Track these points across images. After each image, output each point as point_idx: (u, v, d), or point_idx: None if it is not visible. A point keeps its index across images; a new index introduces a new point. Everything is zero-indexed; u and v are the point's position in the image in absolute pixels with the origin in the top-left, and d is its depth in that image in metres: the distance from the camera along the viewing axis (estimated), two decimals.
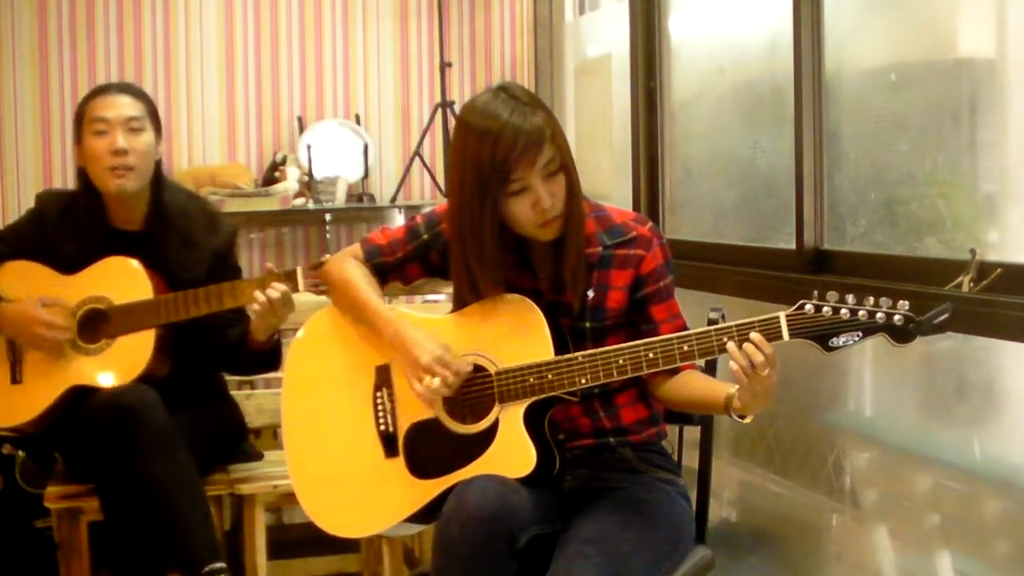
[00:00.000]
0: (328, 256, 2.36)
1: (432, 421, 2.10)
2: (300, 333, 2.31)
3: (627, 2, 3.72)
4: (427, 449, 2.11)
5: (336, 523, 2.18)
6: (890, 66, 2.64)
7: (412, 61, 4.50)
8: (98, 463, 2.49)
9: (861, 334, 1.85)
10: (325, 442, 2.21)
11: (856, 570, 2.79)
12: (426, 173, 4.37)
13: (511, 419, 2.04)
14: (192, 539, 2.46)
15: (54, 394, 2.62)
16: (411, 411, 2.13)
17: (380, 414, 2.17)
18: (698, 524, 2.24)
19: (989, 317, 2.13)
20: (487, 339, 2.10)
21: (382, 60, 4.48)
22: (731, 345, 1.89)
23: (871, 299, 1.85)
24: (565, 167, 2.04)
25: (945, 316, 1.82)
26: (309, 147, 4.19)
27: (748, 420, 1.97)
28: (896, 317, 1.83)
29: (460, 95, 4.37)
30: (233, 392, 3.01)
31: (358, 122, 4.40)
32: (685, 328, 2.07)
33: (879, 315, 1.84)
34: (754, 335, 1.88)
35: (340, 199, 4.20)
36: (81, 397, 2.58)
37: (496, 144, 1.97)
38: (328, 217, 4.27)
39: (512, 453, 2.01)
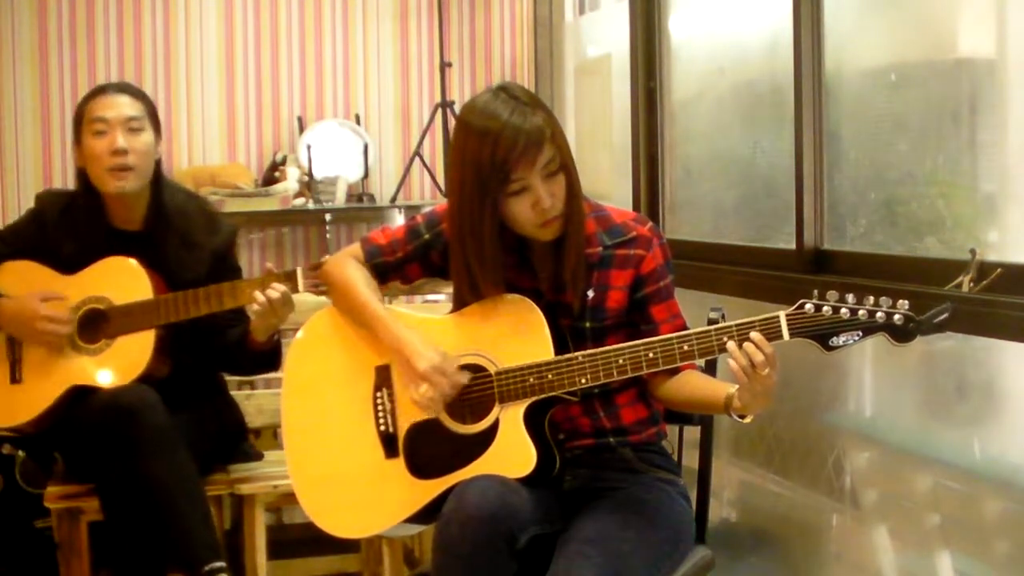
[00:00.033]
0: (328, 256, 2.36)
1: (432, 421, 2.10)
2: (300, 333, 2.31)
3: (627, 2, 3.72)
4: (427, 449, 2.11)
5: (336, 523, 2.18)
6: (890, 66, 2.64)
7: (412, 61, 4.50)
8: (98, 463, 2.49)
9: (861, 333, 1.85)
10: (325, 442, 2.21)
11: (856, 570, 2.79)
12: (426, 173, 4.37)
13: (511, 419, 2.04)
14: (192, 539, 2.46)
15: (54, 394, 2.62)
16: (411, 411, 2.12)
17: (380, 414, 2.17)
18: (698, 524, 2.24)
19: (989, 317, 2.13)
20: (487, 339, 2.10)
21: (382, 60, 4.48)
22: (731, 345, 1.89)
23: (871, 299, 1.85)
24: (565, 167, 2.04)
25: (945, 315, 1.82)
26: (309, 147, 4.19)
27: (748, 420, 1.97)
28: (896, 316, 1.83)
29: (460, 95, 4.37)
30: (233, 392, 3.01)
31: (358, 122, 4.40)
32: (685, 328, 2.07)
33: (879, 314, 1.84)
34: (754, 334, 1.88)
35: (340, 199, 4.20)
36: (81, 397, 2.58)
37: (496, 144, 1.97)
38: (328, 217, 4.27)
39: (512, 453, 2.01)
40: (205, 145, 4.31)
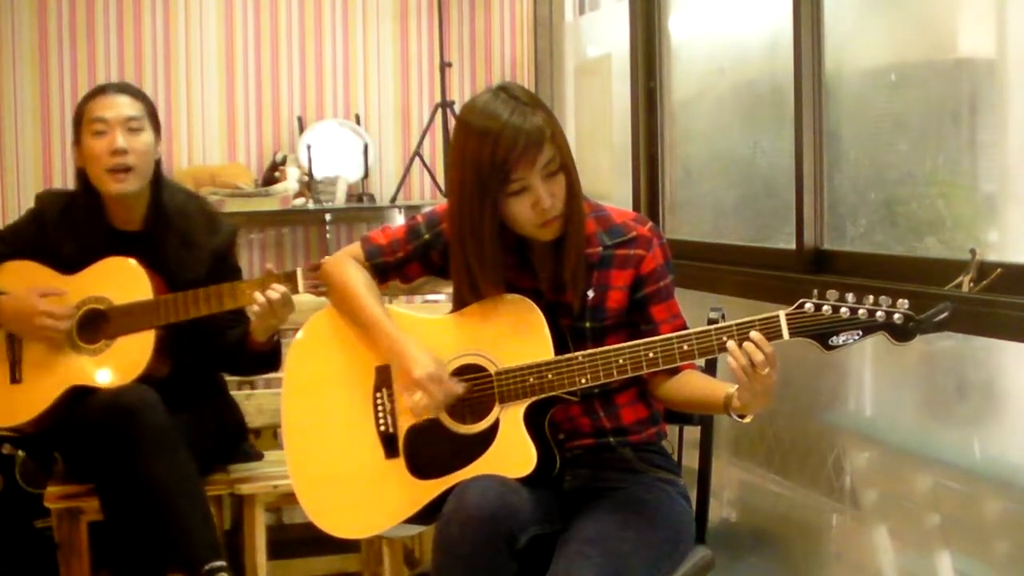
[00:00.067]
0: (327, 257, 2.35)
1: (432, 421, 2.10)
2: (300, 333, 2.31)
3: (627, 2, 3.72)
4: (427, 449, 2.11)
5: (336, 524, 2.18)
6: (890, 66, 2.64)
7: (412, 61, 4.50)
8: (98, 463, 2.49)
9: (861, 333, 1.86)
10: (325, 442, 2.21)
11: (856, 570, 2.79)
12: (426, 173, 4.37)
13: (511, 419, 2.04)
14: (192, 539, 2.46)
15: (54, 394, 2.62)
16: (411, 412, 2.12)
17: (380, 414, 2.16)
18: (698, 524, 2.24)
19: (989, 317, 2.13)
20: (487, 339, 2.10)
21: (382, 60, 4.48)
22: (731, 344, 1.89)
23: (871, 298, 1.85)
24: (565, 167, 2.04)
25: (945, 314, 1.82)
26: (309, 147, 4.19)
27: (748, 420, 1.97)
28: (896, 316, 1.83)
29: (460, 95, 4.37)
30: (233, 392, 3.01)
31: (358, 122, 4.40)
32: (685, 328, 2.07)
33: (879, 314, 1.84)
34: (754, 334, 1.89)
35: (340, 199, 4.20)
36: (81, 397, 2.58)
37: (496, 144, 1.97)
38: (328, 217, 4.27)
39: (512, 453, 2.01)
40: (205, 145, 4.31)
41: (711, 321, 2.02)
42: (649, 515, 2.07)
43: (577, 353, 2.03)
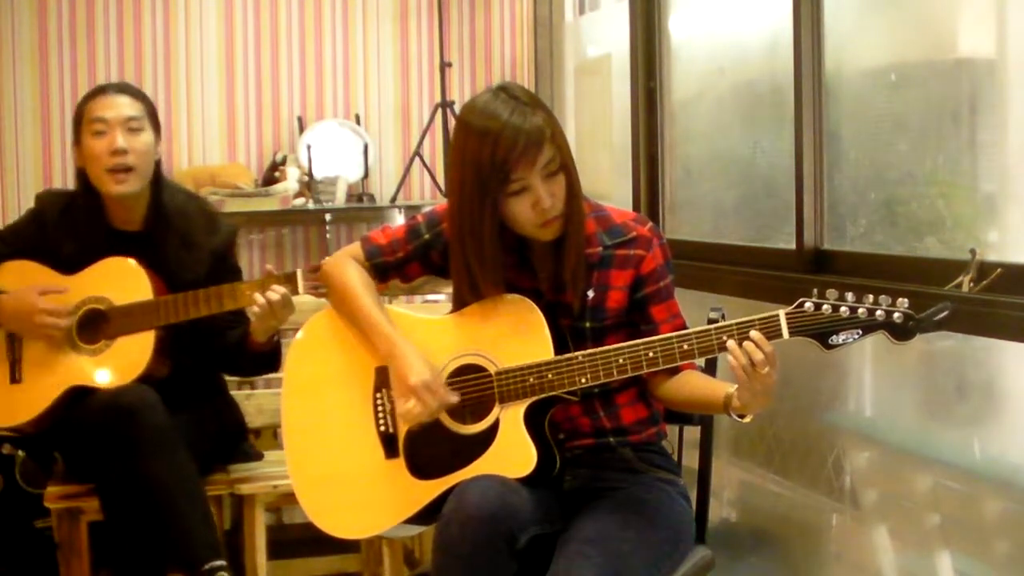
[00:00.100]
0: (327, 258, 2.35)
1: (432, 422, 2.10)
2: (300, 334, 2.31)
3: (627, 2, 3.72)
4: (427, 450, 2.11)
5: (336, 524, 2.18)
6: (890, 66, 2.64)
7: (412, 61, 4.50)
8: (98, 463, 2.49)
9: (861, 332, 1.86)
10: (325, 443, 2.21)
11: (856, 570, 2.79)
12: (426, 173, 4.37)
13: (511, 419, 2.04)
14: (192, 538, 2.46)
15: (53, 394, 2.62)
16: None
17: (380, 415, 2.16)
18: (698, 524, 2.24)
19: (989, 317, 2.13)
20: (487, 339, 2.10)
21: (382, 60, 4.48)
22: (731, 343, 1.89)
23: (870, 297, 1.85)
24: (565, 167, 2.04)
25: (945, 313, 1.82)
26: (309, 147, 4.19)
27: (748, 420, 1.97)
28: (896, 315, 1.83)
29: (460, 95, 4.37)
30: (233, 392, 3.01)
31: (358, 122, 4.40)
32: (685, 328, 2.06)
33: (879, 313, 1.84)
34: (754, 333, 1.89)
35: (340, 199, 4.20)
36: (81, 397, 2.58)
37: (496, 144, 1.97)
38: (328, 217, 4.27)
39: (512, 453, 2.01)
40: (205, 145, 4.31)
41: (711, 321, 2.02)
42: (649, 515, 2.07)
43: (577, 353, 2.03)
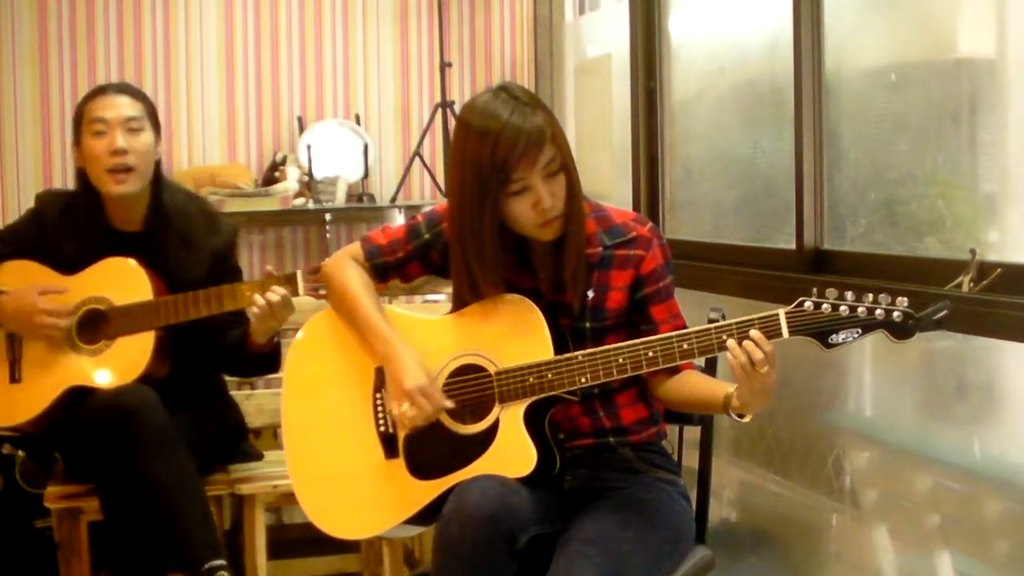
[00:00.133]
0: (327, 259, 2.35)
1: (432, 422, 2.09)
2: (300, 334, 2.31)
3: (627, 2, 3.72)
4: (427, 450, 2.11)
5: (336, 524, 2.18)
6: (890, 66, 2.64)
7: (412, 61, 4.50)
8: (98, 463, 2.49)
9: (860, 331, 1.86)
10: (325, 443, 2.21)
11: (856, 570, 2.79)
12: (426, 173, 4.37)
13: (511, 419, 2.04)
14: (192, 538, 2.46)
15: (53, 394, 2.62)
16: None
17: (380, 415, 2.16)
18: (698, 524, 2.24)
19: (989, 317, 2.13)
20: (487, 339, 2.10)
21: (382, 60, 4.48)
22: (731, 342, 1.89)
23: (870, 296, 1.85)
24: (565, 167, 2.04)
25: (944, 312, 1.82)
26: (309, 147, 4.19)
27: (747, 419, 1.97)
28: (895, 313, 1.83)
29: (460, 95, 4.37)
30: (233, 392, 3.01)
31: (358, 122, 4.40)
32: (685, 328, 2.06)
33: (878, 312, 1.84)
34: (754, 332, 1.89)
35: (340, 199, 4.20)
36: (80, 397, 2.58)
37: (496, 144, 1.97)
38: (328, 217, 4.27)
39: (512, 453, 2.01)
40: (205, 145, 4.31)
41: (711, 321, 2.02)
42: (649, 515, 2.07)
43: (577, 353, 2.03)
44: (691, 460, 2.33)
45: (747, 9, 3.21)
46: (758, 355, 1.87)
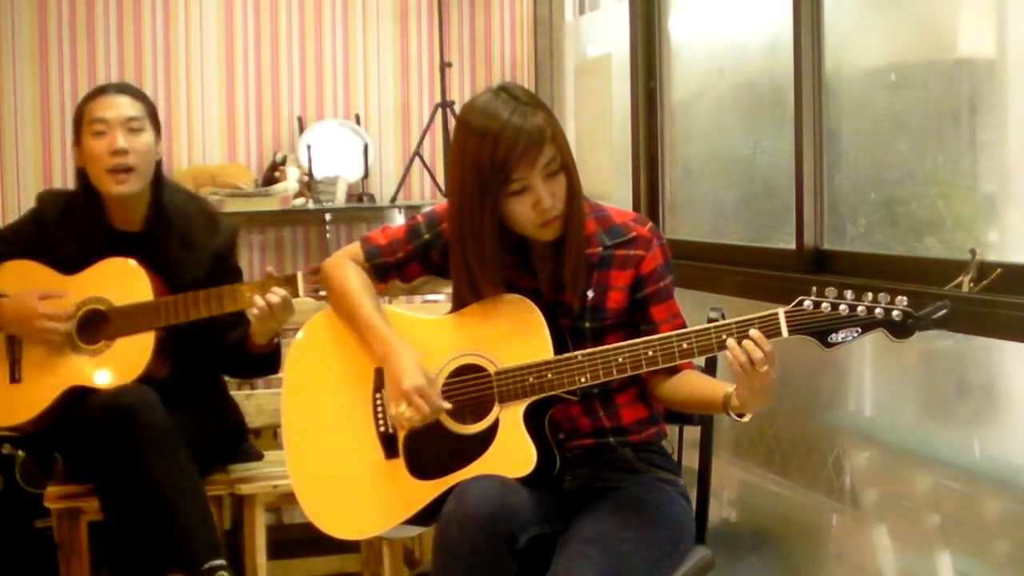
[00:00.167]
0: (327, 259, 2.35)
1: (432, 422, 2.09)
2: (300, 334, 2.31)
3: (627, 2, 3.72)
4: (427, 450, 2.11)
5: (336, 524, 2.18)
6: (890, 66, 2.64)
7: (412, 61, 4.50)
8: (98, 463, 2.49)
9: (860, 330, 1.86)
10: (325, 443, 2.21)
11: (856, 570, 2.79)
12: (426, 173, 4.37)
13: (511, 419, 2.04)
14: (192, 538, 2.46)
15: (53, 394, 2.62)
16: None
17: (380, 415, 2.16)
18: (698, 524, 2.24)
19: (989, 317, 2.13)
20: (487, 339, 2.10)
21: (382, 60, 4.48)
22: (731, 342, 1.89)
23: (869, 295, 1.85)
24: (565, 167, 2.04)
25: (943, 311, 1.82)
26: (309, 147, 4.19)
27: (747, 419, 1.97)
28: (895, 312, 1.83)
29: (460, 95, 4.37)
30: (233, 392, 3.02)
31: (358, 122, 4.40)
32: (684, 328, 2.06)
33: (877, 311, 1.84)
34: (753, 331, 1.89)
35: (340, 199, 4.20)
36: (80, 397, 2.58)
37: (496, 144, 1.97)
38: (328, 217, 4.27)
39: (512, 453, 2.01)
40: (205, 145, 4.31)
41: (711, 321, 2.02)
42: (649, 515, 2.07)
43: (576, 352, 2.03)
44: (691, 460, 2.33)
45: (747, 9, 3.21)
46: (758, 354, 1.87)
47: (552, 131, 2.01)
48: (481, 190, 2.00)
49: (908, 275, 2.43)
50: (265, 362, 2.71)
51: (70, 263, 2.69)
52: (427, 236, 2.22)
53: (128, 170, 2.66)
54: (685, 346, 1.96)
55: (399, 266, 2.26)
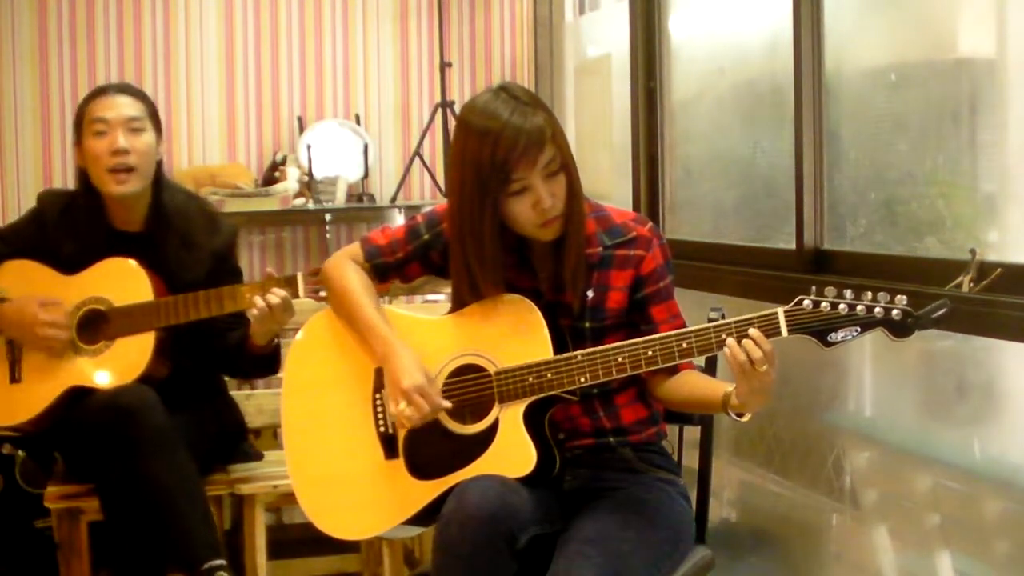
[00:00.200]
0: (327, 260, 2.35)
1: (432, 422, 2.09)
2: (300, 334, 2.31)
3: (627, 2, 3.72)
4: (427, 450, 2.11)
5: (336, 525, 2.18)
6: (890, 66, 2.64)
7: (412, 61, 4.50)
8: (98, 463, 2.49)
9: (859, 329, 1.86)
10: (325, 443, 2.21)
11: (856, 570, 2.79)
12: (426, 173, 4.37)
13: (511, 419, 2.03)
14: (192, 538, 2.46)
15: (53, 394, 2.62)
16: None
17: (380, 415, 2.16)
18: (698, 524, 2.24)
19: (989, 317, 2.13)
20: (486, 339, 2.10)
21: (382, 60, 4.48)
22: (730, 341, 1.89)
23: (869, 294, 1.85)
24: (566, 167, 2.04)
25: (943, 311, 1.82)
26: (309, 147, 4.19)
27: (746, 419, 1.97)
28: (894, 311, 1.83)
29: (460, 95, 4.37)
30: (233, 392, 3.01)
31: (358, 122, 4.40)
32: (684, 328, 2.06)
33: (877, 310, 1.84)
34: (753, 331, 1.89)
35: (340, 199, 4.20)
36: (80, 397, 2.58)
37: (496, 144, 1.97)
38: (328, 217, 4.27)
39: (512, 453, 2.01)
40: (205, 145, 4.31)
41: (711, 321, 2.02)
42: (649, 515, 2.07)
43: (576, 352, 2.03)
44: (691, 460, 2.33)
45: (747, 9, 3.21)
46: (757, 354, 1.87)
47: (552, 131, 2.01)
48: (481, 190, 2.00)
49: (908, 275, 2.43)
50: (265, 363, 2.71)
51: (70, 263, 2.69)
52: (427, 236, 2.22)
53: (129, 170, 2.66)
54: (685, 346, 1.96)
55: (399, 266, 2.26)
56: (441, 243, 2.20)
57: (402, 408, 2.06)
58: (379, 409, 2.16)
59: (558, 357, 2.03)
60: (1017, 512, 2.32)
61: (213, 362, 2.79)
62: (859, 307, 1.85)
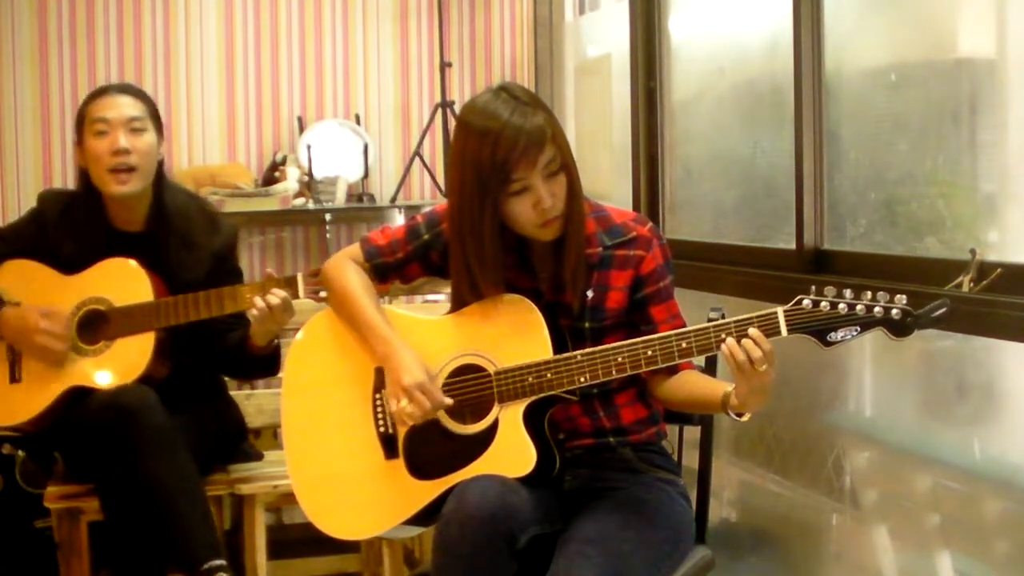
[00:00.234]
0: (327, 260, 2.35)
1: (431, 422, 2.09)
2: (300, 334, 2.31)
3: (627, 2, 3.72)
4: (427, 450, 2.11)
5: (335, 525, 2.18)
6: (890, 66, 2.64)
7: (412, 61, 4.50)
8: (98, 463, 2.49)
9: (859, 328, 1.85)
10: (325, 443, 2.21)
11: (856, 570, 2.79)
12: (426, 173, 4.37)
13: (511, 419, 2.04)
14: (192, 538, 2.46)
15: (53, 394, 2.62)
16: None
17: (380, 415, 2.16)
18: (698, 524, 2.24)
19: (989, 317, 2.13)
20: (486, 339, 2.10)
21: (382, 60, 4.47)
22: (730, 340, 1.89)
23: (868, 294, 1.85)
24: (566, 167, 2.04)
25: (943, 310, 1.82)
26: (309, 147, 4.19)
27: (746, 418, 1.97)
28: (894, 311, 1.83)
29: (460, 95, 4.37)
30: (233, 392, 3.01)
31: (358, 122, 4.40)
32: (684, 328, 2.06)
33: (876, 309, 1.84)
34: (752, 330, 1.89)
35: (340, 199, 4.19)
36: (80, 397, 2.58)
37: (496, 144, 1.97)
38: (328, 217, 4.27)
39: (512, 453, 2.01)
40: (205, 145, 4.31)
41: (711, 321, 2.02)
42: (649, 515, 2.07)
43: (576, 352, 2.03)
44: (691, 460, 2.33)
45: (747, 9, 3.21)
46: (757, 353, 1.87)
47: (552, 131, 2.01)
48: (481, 190, 2.00)
49: (908, 275, 2.43)
50: (265, 363, 2.71)
51: (70, 263, 2.69)
52: (427, 236, 2.22)
53: (130, 170, 2.66)
54: (684, 345, 1.96)
55: (399, 266, 2.26)
56: (441, 243, 2.20)
57: (403, 405, 2.06)
58: (379, 409, 2.16)
59: (558, 357, 2.03)
60: (1017, 512, 2.32)
61: (213, 362, 2.79)
62: (859, 307, 1.85)
